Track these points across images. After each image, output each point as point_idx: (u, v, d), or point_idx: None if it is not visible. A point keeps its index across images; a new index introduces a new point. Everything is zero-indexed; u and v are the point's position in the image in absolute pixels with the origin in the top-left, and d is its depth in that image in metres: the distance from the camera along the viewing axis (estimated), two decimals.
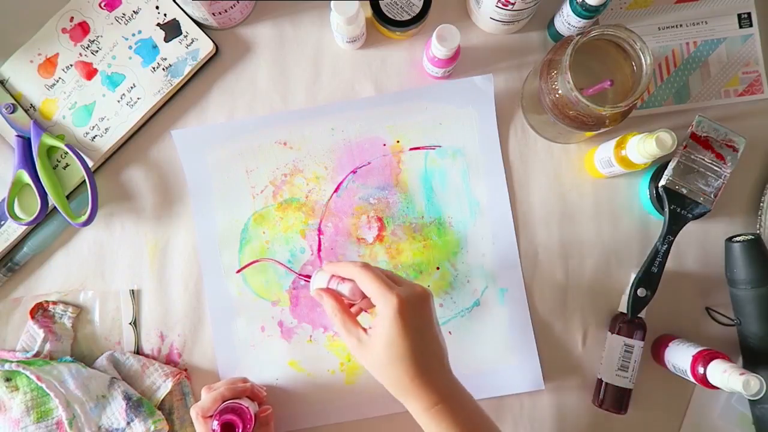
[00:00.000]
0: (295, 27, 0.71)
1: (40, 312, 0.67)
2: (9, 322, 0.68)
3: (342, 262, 0.57)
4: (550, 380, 0.68)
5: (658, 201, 0.65)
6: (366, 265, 0.55)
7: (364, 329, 0.54)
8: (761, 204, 0.68)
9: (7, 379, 0.62)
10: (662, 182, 0.63)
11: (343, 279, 0.56)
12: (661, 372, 0.67)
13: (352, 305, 0.60)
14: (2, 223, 0.67)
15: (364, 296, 0.56)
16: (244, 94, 0.70)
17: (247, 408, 0.57)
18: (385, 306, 0.51)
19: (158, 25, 0.68)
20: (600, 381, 0.66)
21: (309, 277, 0.65)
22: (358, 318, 0.57)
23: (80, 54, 0.68)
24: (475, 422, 0.53)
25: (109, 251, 0.69)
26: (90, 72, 0.68)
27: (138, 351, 0.68)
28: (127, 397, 0.63)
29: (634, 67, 0.59)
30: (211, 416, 0.57)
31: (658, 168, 0.66)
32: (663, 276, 0.63)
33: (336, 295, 0.56)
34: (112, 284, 0.69)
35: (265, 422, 0.60)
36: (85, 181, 0.66)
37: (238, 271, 0.68)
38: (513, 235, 0.69)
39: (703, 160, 0.63)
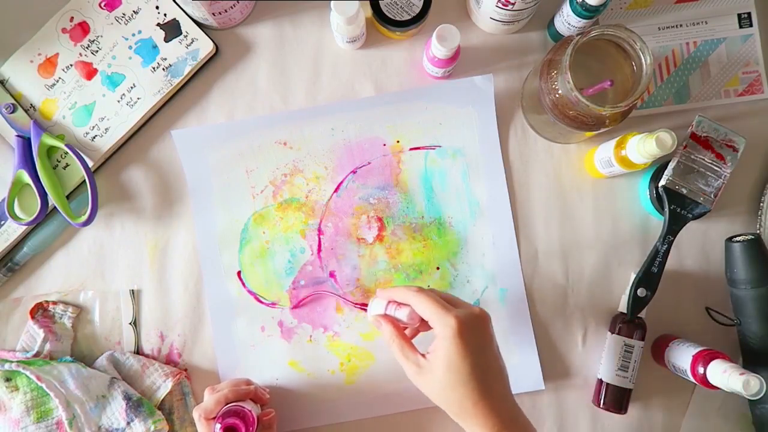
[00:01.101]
0: (295, 27, 0.71)
1: (40, 312, 0.67)
2: (9, 322, 0.68)
3: (396, 287, 0.56)
4: (550, 380, 0.68)
5: (658, 201, 0.65)
6: (421, 289, 0.54)
7: (423, 355, 0.53)
8: (761, 204, 0.68)
9: (7, 379, 0.62)
10: (662, 182, 0.63)
11: (400, 304, 0.56)
12: (661, 372, 0.67)
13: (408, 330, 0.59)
14: (2, 223, 0.67)
15: (421, 321, 0.55)
16: (244, 94, 0.70)
17: (250, 411, 0.57)
18: (444, 328, 0.51)
19: (158, 25, 0.68)
20: (600, 381, 0.66)
21: (365, 305, 0.67)
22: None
23: (80, 54, 0.68)
24: None
25: (109, 251, 0.69)
26: (90, 72, 0.68)
27: (138, 351, 0.68)
28: (127, 397, 0.63)
29: (634, 67, 0.59)
30: (213, 418, 0.57)
31: (658, 168, 0.66)
32: (663, 276, 0.63)
33: (394, 322, 0.56)
34: (112, 284, 0.69)
35: (268, 425, 0.60)
36: (85, 181, 0.66)
37: (295, 307, 0.68)
38: (513, 235, 0.69)
39: (703, 160, 0.63)
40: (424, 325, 0.55)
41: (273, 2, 0.71)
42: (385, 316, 0.56)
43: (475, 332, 0.51)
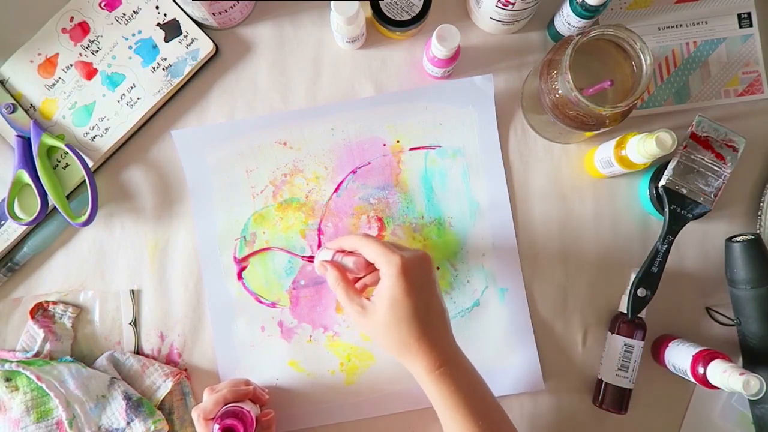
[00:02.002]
0: (295, 27, 0.71)
1: (40, 312, 0.67)
2: (9, 322, 0.68)
3: (345, 236, 0.59)
4: (550, 380, 0.68)
5: (658, 201, 0.65)
6: (368, 234, 0.57)
7: (367, 297, 0.56)
8: (761, 204, 0.68)
9: (7, 379, 0.62)
10: (662, 182, 0.63)
11: (347, 254, 0.59)
12: (661, 372, 0.67)
13: (356, 281, 0.61)
14: (2, 223, 0.67)
15: (367, 269, 0.58)
16: (244, 94, 0.70)
17: (249, 412, 0.57)
18: (388, 266, 0.53)
19: (158, 25, 0.68)
20: (600, 381, 0.66)
21: (312, 258, 0.68)
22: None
23: (80, 54, 0.68)
24: (475, 386, 0.54)
25: (109, 251, 0.69)
26: (90, 72, 0.68)
27: (138, 351, 0.68)
28: (127, 397, 0.63)
29: (634, 67, 0.59)
30: (212, 419, 0.57)
31: (658, 168, 0.66)
32: (663, 276, 0.63)
33: (339, 267, 0.58)
34: (112, 284, 0.69)
35: (267, 426, 0.60)
36: (85, 181, 0.66)
37: (243, 259, 0.69)
38: (513, 235, 0.69)
39: (703, 160, 0.63)
40: (371, 277, 0.59)
41: (273, 2, 0.71)
42: (332, 262, 0.59)
43: (418, 271, 0.54)
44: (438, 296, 0.55)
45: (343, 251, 0.59)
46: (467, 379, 0.54)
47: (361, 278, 0.61)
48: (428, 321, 0.53)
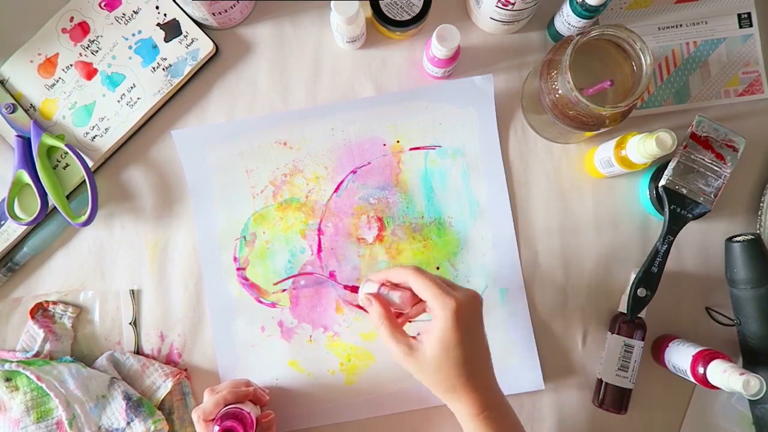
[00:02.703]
0: (295, 27, 0.71)
1: (40, 312, 0.67)
2: (9, 322, 0.68)
3: (393, 268, 0.56)
4: (550, 380, 0.68)
5: (658, 201, 0.65)
6: (419, 269, 0.54)
7: (413, 337, 0.54)
8: (761, 204, 0.68)
9: (7, 379, 0.62)
10: (662, 182, 0.63)
11: (394, 287, 0.56)
12: (661, 372, 0.67)
13: (399, 315, 0.58)
14: (2, 223, 0.67)
15: (412, 303, 0.55)
16: (244, 94, 0.70)
17: (249, 413, 0.57)
18: (443, 310, 0.51)
19: (158, 25, 0.68)
20: (600, 381, 0.66)
21: (356, 288, 0.64)
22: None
23: (80, 54, 0.68)
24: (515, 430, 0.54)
25: (109, 251, 0.69)
26: (90, 72, 0.68)
27: (138, 351, 0.68)
28: (127, 397, 0.63)
29: (634, 67, 0.59)
30: (213, 420, 0.57)
31: (658, 168, 0.66)
32: (663, 276, 0.63)
33: (384, 303, 0.55)
34: (112, 284, 0.69)
35: (267, 428, 0.60)
36: (85, 181, 0.66)
37: (277, 282, 0.68)
38: (513, 235, 0.69)
39: (703, 160, 0.63)
40: (414, 311, 0.56)
41: (273, 2, 0.71)
42: (377, 295, 0.56)
43: (471, 314, 0.53)
44: (484, 338, 0.54)
45: (389, 285, 0.56)
46: (508, 423, 0.54)
47: (404, 313, 0.58)
48: (476, 365, 0.52)
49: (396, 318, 0.55)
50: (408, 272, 0.54)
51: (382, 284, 0.56)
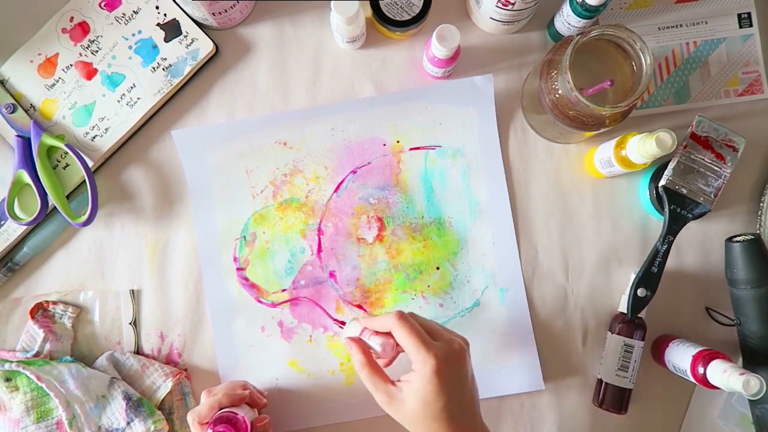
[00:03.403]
0: (295, 27, 0.71)
1: (40, 312, 0.67)
2: (9, 322, 0.68)
3: (379, 316, 0.55)
4: (550, 380, 0.68)
5: (658, 201, 0.65)
6: (402, 317, 0.53)
7: (393, 383, 0.53)
8: (761, 204, 0.68)
9: (7, 379, 0.62)
10: (662, 182, 0.63)
11: (377, 333, 0.56)
12: (661, 372, 0.67)
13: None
14: (2, 223, 0.67)
15: (395, 351, 0.55)
16: (244, 94, 0.70)
17: (243, 418, 0.57)
18: (422, 366, 0.51)
19: (158, 25, 0.68)
20: (600, 381, 0.66)
21: (343, 323, 0.67)
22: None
23: (80, 54, 0.68)
24: None
25: (109, 251, 0.69)
26: (90, 72, 0.68)
27: (138, 351, 0.68)
28: (127, 397, 0.63)
29: (634, 67, 0.59)
30: (207, 423, 0.57)
31: (658, 168, 0.66)
32: (663, 276, 0.63)
33: (365, 348, 0.55)
34: (112, 284, 0.69)
35: (262, 431, 0.60)
36: (85, 181, 0.66)
37: (279, 304, 0.68)
38: (513, 235, 0.69)
39: (703, 160, 0.63)
40: (395, 353, 0.56)
41: (273, 2, 0.71)
42: (358, 340, 0.56)
43: (452, 370, 0.52)
44: (470, 389, 0.54)
45: (372, 330, 0.56)
46: None
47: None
48: (460, 415, 0.52)
49: (376, 364, 0.55)
50: (392, 321, 0.53)
51: (365, 328, 0.56)
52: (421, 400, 0.51)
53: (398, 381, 0.53)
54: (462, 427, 0.52)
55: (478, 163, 0.69)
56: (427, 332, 0.53)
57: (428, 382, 0.50)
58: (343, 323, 0.68)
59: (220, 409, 0.58)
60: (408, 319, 0.53)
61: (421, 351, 0.51)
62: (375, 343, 0.55)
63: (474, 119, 0.70)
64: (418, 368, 0.51)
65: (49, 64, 0.68)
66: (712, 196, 0.63)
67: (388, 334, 0.55)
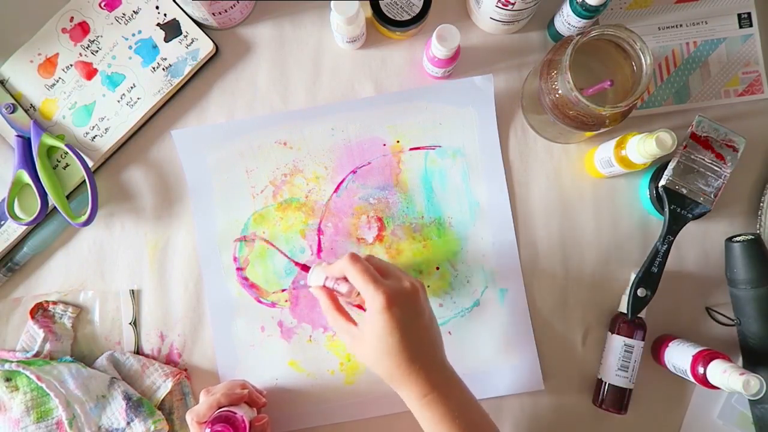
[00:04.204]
0: (295, 27, 0.71)
1: (40, 312, 0.67)
2: (9, 322, 0.68)
3: (336, 261, 0.58)
4: (550, 380, 0.68)
5: (658, 201, 0.65)
6: (354, 258, 0.55)
7: (355, 323, 0.56)
8: (761, 204, 0.68)
9: (7, 379, 0.62)
10: (662, 182, 0.63)
11: (341, 279, 0.58)
12: (661, 372, 0.67)
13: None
14: (2, 223, 0.67)
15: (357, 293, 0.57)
16: (244, 94, 0.70)
17: (242, 417, 0.57)
18: (372, 302, 0.53)
19: (158, 25, 0.68)
20: (600, 381, 0.66)
21: (306, 267, 0.68)
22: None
23: (80, 54, 0.68)
24: (465, 410, 0.54)
25: (109, 251, 0.69)
26: (90, 72, 0.68)
27: (138, 351, 0.68)
28: (127, 397, 0.63)
29: (634, 67, 0.59)
30: (205, 422, 0.57)
31: (658, 168, 0.66)
32: (663, 276, 0.63)
33: (331, 294, 0.58)
34: (112, 284, 0.69)
35: (261, 431, 0.60)
36: (85, 181, 0.66)
37: (240, 239, 0.69)
38: (513, 235, 0.69)
39: (703, 160, 0.63)
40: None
41: (273, 2, 0.71)
42: (324, 287, 0.59)
43: (403, 306, 0.53)
44: (426, 326, 0.55)
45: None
46: (455, 404, 0.54)
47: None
48: (416, 351, 0.53)
49: (341, 307, 0.58)
50: (344, 263, 0.55)
51: (327, 276, 0.59)
52: (375, 336, 0.53)
53: (358, 323, 0.56)
54: (419, 363, 0.53)
55: (478, 163, 0.69)
56: (381, 272, 0.56)
57: (379, 318, 0.52)
58: (306, 267, 0.68)
59: (218, 409, 0.58)
60: (359, 259, 0.55)
61: (370, 288, 0.53)
62: (341, 288, 0.58)
63: (474, 119, 0.70)
64: (369, 305, 0.53)
65: (49, 64, 0.68)
66: (712, 196, 0.63)
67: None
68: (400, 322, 0.53)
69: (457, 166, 0.69)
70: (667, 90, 0.69)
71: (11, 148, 0.67)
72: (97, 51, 0.68)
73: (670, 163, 0.63)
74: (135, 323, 0.68)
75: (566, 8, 0.64)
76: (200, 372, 0.68)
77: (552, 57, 0.61)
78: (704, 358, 0.60)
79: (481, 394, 0.67)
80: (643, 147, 0.59)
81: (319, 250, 0.69)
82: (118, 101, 0.68)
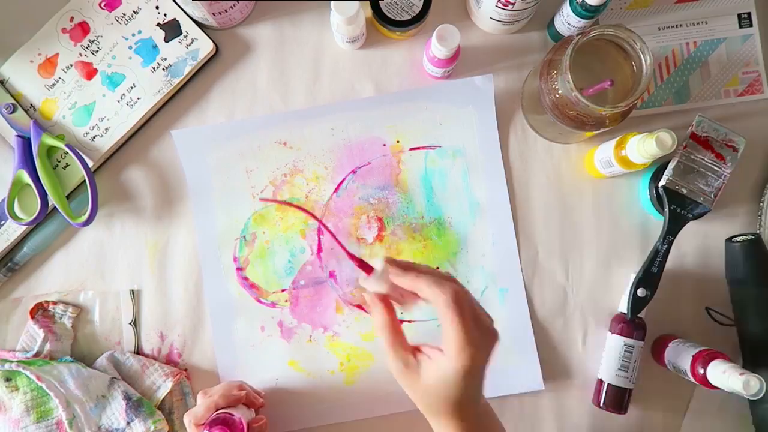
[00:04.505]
0: (295, 27, 0.71)
1: (40, 312, 0.67)
2: (9, 322, 0.68)
3: (422, 279, 0.47)
4: (550, 380, 0.68)
5: (658, 201, 0.65)
6: (459, 303, 0.46)
7: (414, 350, 0.49)
8: (761, 204, 0.68)
9: (7, 379, 0.62)
10: (662, 182, 0.63)
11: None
12: (661, 372, 0.67)
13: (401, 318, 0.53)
14: (2, 223, 0.67)
15: (413, 306, 0.50)
16: (244, 94, 0.70)
17: (240, 419, 0.57)
18: (457, 356, 0.46)
19: (158, 25, 0.68)
20: (600, 381, 0.66)
21: (368, 266, 0.49)
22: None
23: (80, 54, 0.68)
24: None
25: (109, 251, 0.69)
26: (90, 72, 0.68)
27: (138, 351, 0.68)
28: (127, 397, 0.63)
29: (634, 67, 0.59)
30: (203, 424, 0.57)
31: (658, 168, 0.66)
32: (663, 276, 0.63)
33: (389, 306, 0.49)
34: (112, 284, 0.69)
35: None
36: (85, 181, 0.66)
37: (263, 199, 0.67)
38: (513, 235, 0.69)
39: (703, 160, 0.63)
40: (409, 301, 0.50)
41: (273, 2, 0.71)
42: (384, 298, 0.49)
43: (482, 364, 0.48)
44: (484, 377, 0.49)
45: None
46: None
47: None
48: (467, 400, 0.48)
49: (400, 327, 0.49)
50: (442, 301, 0.46)
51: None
52: (442, 383, 0.47)
53: (419, 351, 0.49)
54: (467, 407, 0.49)
55: (478, 163, 0.69)
56: (474, 320, 0.47)
57: (457, 372, 0.46)
58: (368, 267, 0.49)
59: (216, 411, 0.57)
60: (465, 305, 0.46)
61: (464, 345, 0.46)
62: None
63: (474, 119, 0.70)
64: (451, 354, 0.46)
65: (49, 64, 0.68)
66: (712, 196, 0.63)
67: (415, 295, 0.48)
68: (472, 378, 0.47)
69: (457, 166, 0.69)
70: (667, 90, 0.69)
71: (11, 148, 0.67)
72: (97, 51, 0.68)
73: (670, 163, 0.63)
74: (135, 323, 0.68)
75: (566, 8, 0.64)
76: (200, 372, 0.68)
77: (552, 57, 0.61)
78: (704, 358, 0.60)
79: None
80: (643, 147, 0.59)
81: (319, 250, 0.69)
82: (118, 101, 0.68)
